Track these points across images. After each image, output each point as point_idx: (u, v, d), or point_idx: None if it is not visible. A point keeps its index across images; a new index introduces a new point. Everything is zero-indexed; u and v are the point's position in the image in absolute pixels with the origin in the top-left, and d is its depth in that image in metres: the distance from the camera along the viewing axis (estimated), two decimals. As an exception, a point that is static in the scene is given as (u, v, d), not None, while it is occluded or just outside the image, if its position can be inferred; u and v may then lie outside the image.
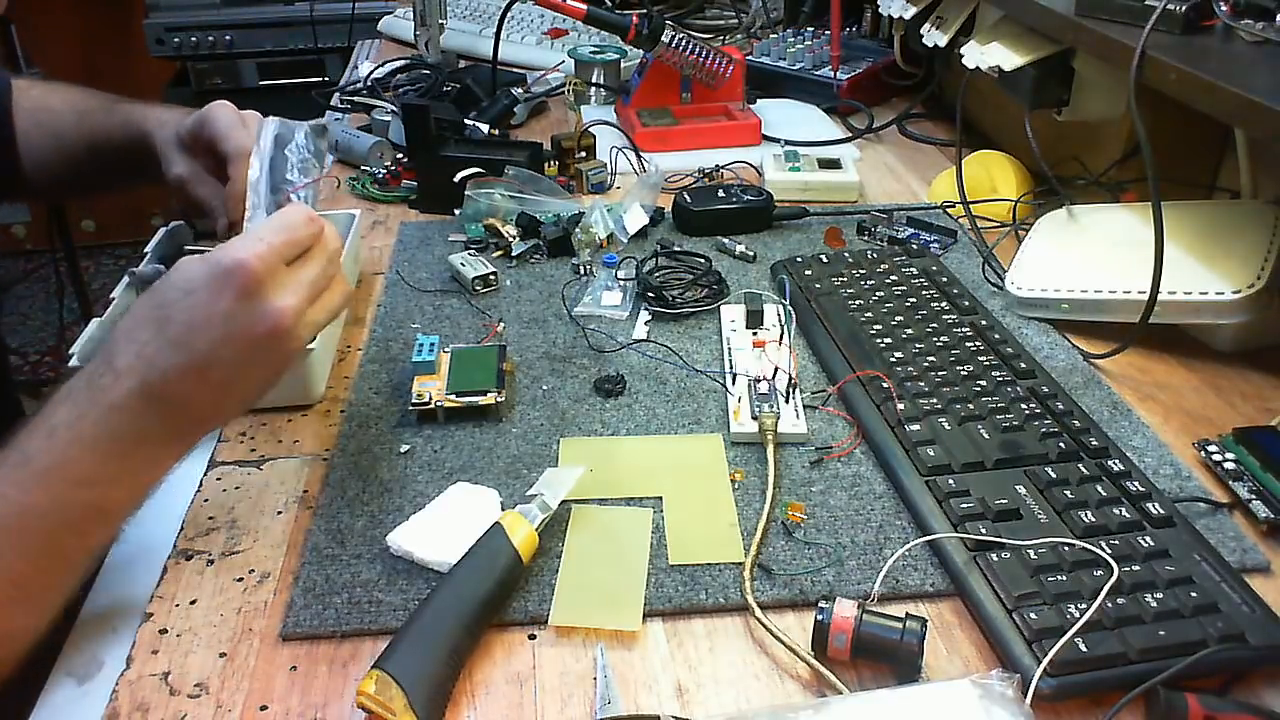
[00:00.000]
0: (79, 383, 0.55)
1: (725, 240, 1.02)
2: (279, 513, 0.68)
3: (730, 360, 0.81)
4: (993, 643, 0.57)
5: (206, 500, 0.69)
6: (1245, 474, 0.69)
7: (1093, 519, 0.62)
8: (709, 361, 0.83)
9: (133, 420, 0.54)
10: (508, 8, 1.34)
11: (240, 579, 0.63)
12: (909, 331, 0.83)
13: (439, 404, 0.75)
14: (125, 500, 0.57)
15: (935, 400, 0.74)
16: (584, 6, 1.16)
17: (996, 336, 0.82)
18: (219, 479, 0.71)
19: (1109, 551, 0.59)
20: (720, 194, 1.06)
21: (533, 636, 0.58)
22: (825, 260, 0.95)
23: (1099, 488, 0.65)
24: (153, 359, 0.54)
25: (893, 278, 0.91)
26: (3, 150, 0.89)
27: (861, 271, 0.92)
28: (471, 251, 0.98)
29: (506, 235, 1.00)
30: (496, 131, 1.21)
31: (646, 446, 0.74)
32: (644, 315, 0.90)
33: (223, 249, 0.56)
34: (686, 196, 1.06)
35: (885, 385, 0.75)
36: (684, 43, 1.21)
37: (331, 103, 1.40)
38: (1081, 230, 0.95)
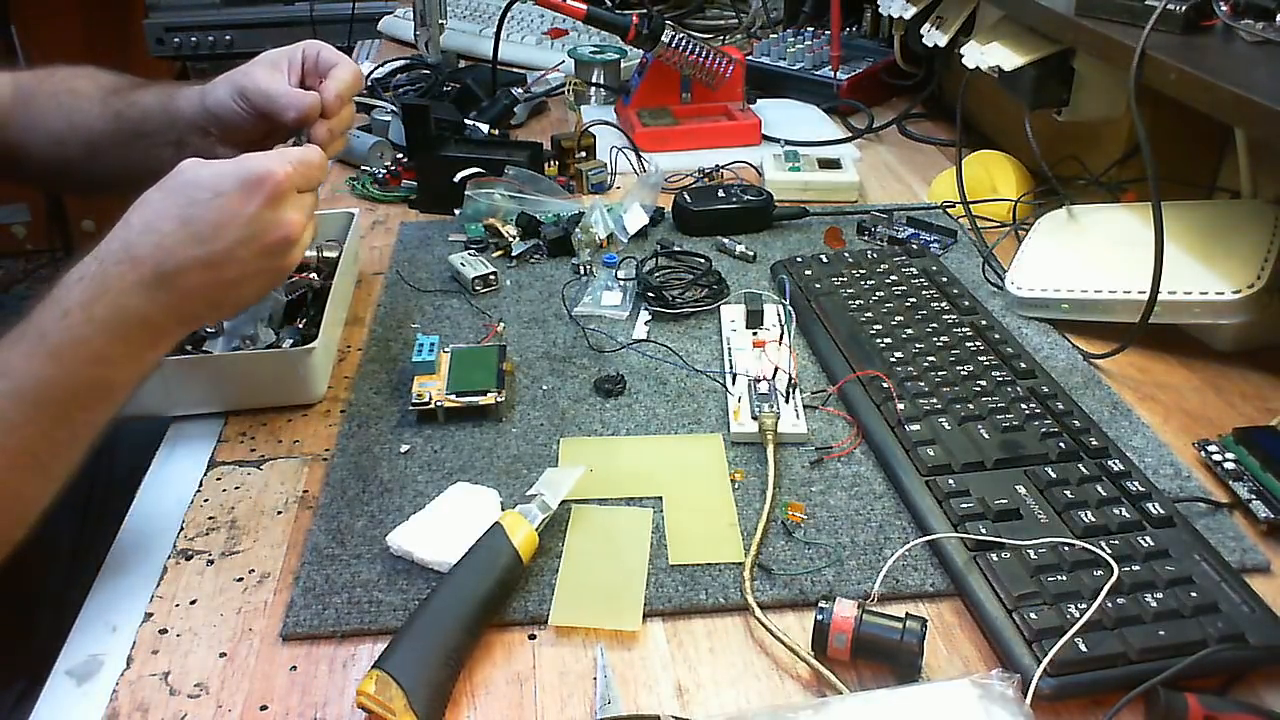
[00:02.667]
0: (92, 266, 0.59)
1: (725, 240, 1.02)
2: (279, 513, 0.68)
3: (730, 360, 0.81)
4: (993, 643, 0.57)
5: (206, 500, 0.69)
6: (1245, 474, 0.69)
7: (1093, 519, 0.62)
8: (709, 361, 0.83)
9: (143, 304, 0.59)
10: (508, 8, 1.34)
11: (240, 579, 0.63)
12: (909, 331, 0.83)
13: (439, 404, 0.75)
14: (129, 378, 0.61)
15: (935, 400, 0.74)
16: (584, 6, 1.16)
17: (996, 336, 0.82)
18: (219, 479, 0.71)
19: (1109, 551, 0.59)
20: (720, 194, 1.06)
21: (533, 636, 0.58)
22: (825, 260, 0.95)
23: (1099, 488, 0.65)
24: (173, 250, 0.59)
25: (893, 278, 0.91)
26: None
27: (861, 271, 0.92)
28: (471, 251, 0.98)
29: (506, 235, 1.00)
30: (496, 131, 1.22)
31: (646, 446, 0.74)
32: (644, 315, 0.90)
33: (251, 158, 0.61)
34: (686, 196, 1.06)
35: (885, 385, 0.75)
36: (684, 43, 1.21)
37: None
38: (1081, 230, 0.95)
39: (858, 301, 0.87)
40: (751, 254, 1.00)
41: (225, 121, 0.79)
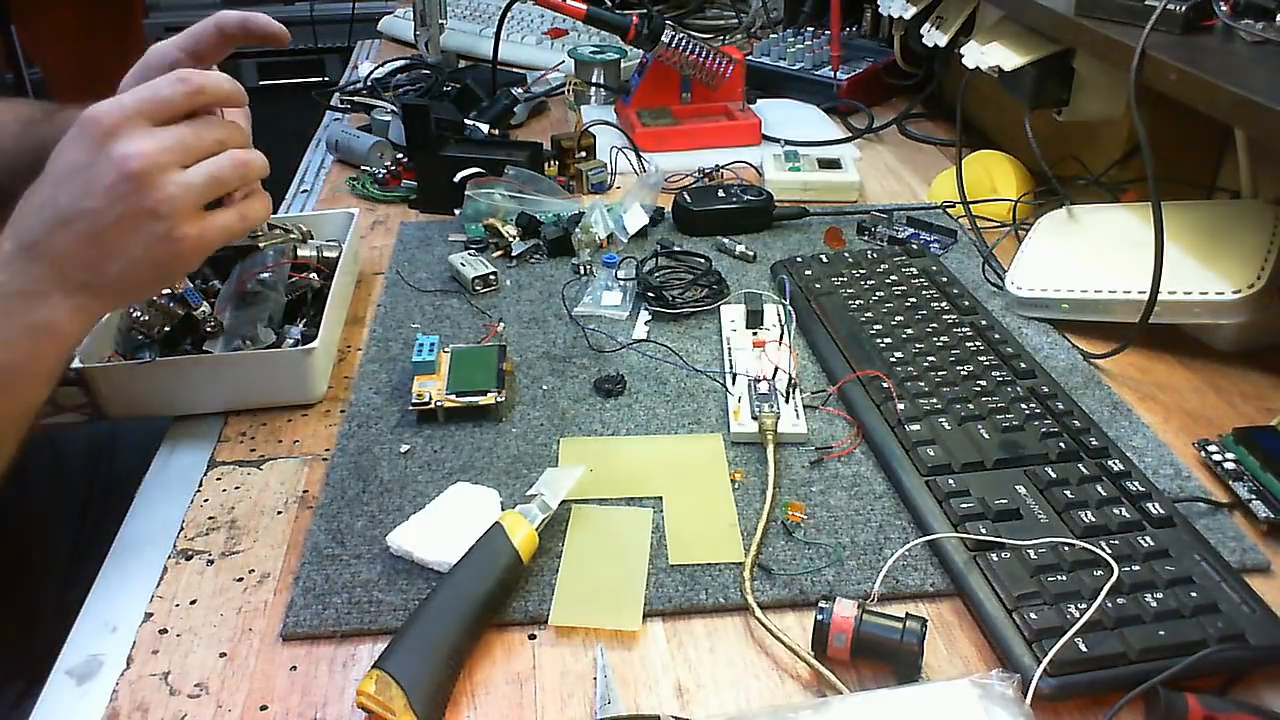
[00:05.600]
0: None
1: (725, 240, 1.02)
2: (279, 513, 0.68)
3: (730, 360, 0.81)
4: (993, 643, 0.57)
5: (206, 500, 0.69)
6: (1245, 474, 0.69)
7: (1093, 519, 0.62)
8: (709, 361, 0.83)
9: (14, 278, 0.57)
10: (508, 8, 1.34)
11: (240, 579, 0.63)
12: (909, 331, 0.83)
13: (439, 404, 0.75)
14: (30, 361, 0.58)
15: (935, 400, 0.74)
16: (584, 6, 1.16)
17: (996, 336, 0.82)
18: (219, 479, 0.71)
19: (1109, 551, 0.59)
20: (720, 194, 1.06)
21: (533, 636, 0.58)
22: (825, 260, 0.95)
23: (1099, 488, 0.65)
24: (26, 216, 0.57)
25: (893, 278, 0.91)
26: None
27: (861, 271, 0.92)
28: (471, 251, 0.98)
29: (506, 235, 1.00)
30: (496, 131, 1.21)
31: (646, 446, 0.74)
32: (644, 315, 0.90)
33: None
34: (686, 196, 1.06)
35: (885, 385, 0.75)
36: (684, 43, 1.21)
37: (331, 103, 1.40)
38: (1081, 230, 0.95)
39: (858, 301, 0.87)
40: (751, 254, 1.00)
41: None
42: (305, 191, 1.20)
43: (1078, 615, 0.55)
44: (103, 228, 0.56)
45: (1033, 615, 0.56)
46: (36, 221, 0.57)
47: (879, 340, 0.82)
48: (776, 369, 0.78)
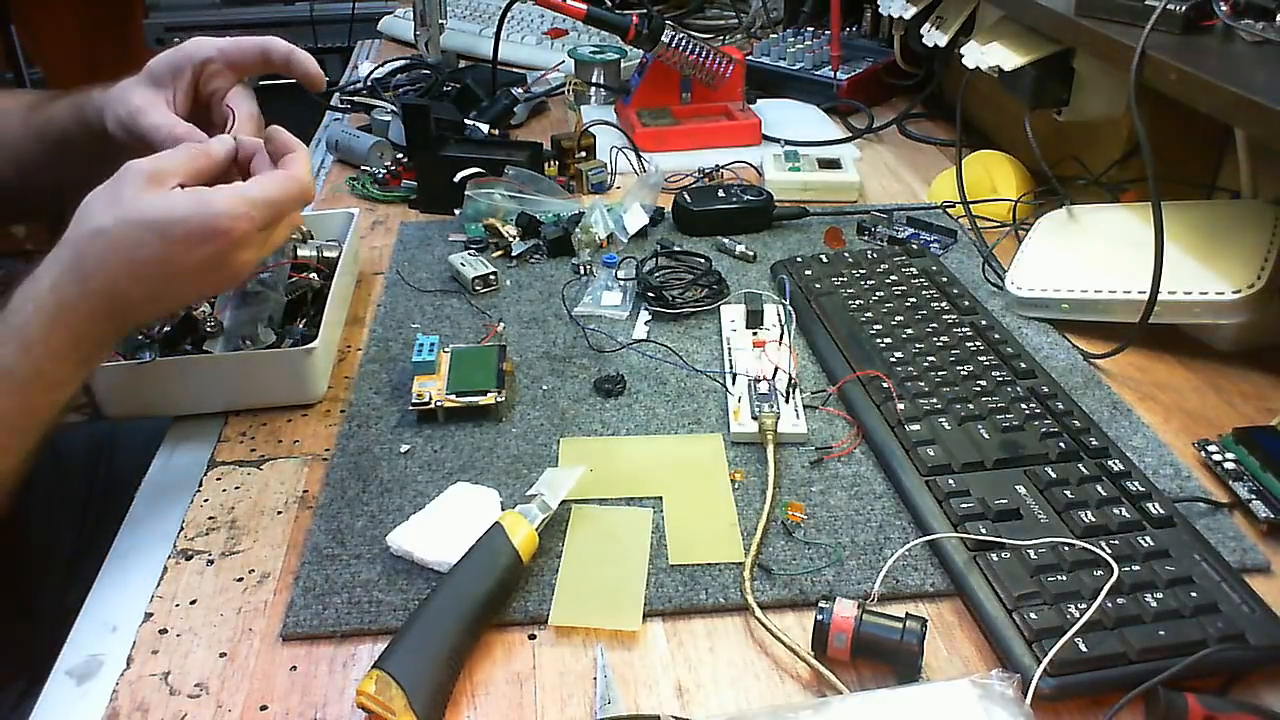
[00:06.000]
0: (48, 297, 0.59)
1: (725, 240, 1.02)
2: (279, 513, 0.68)
3: (730, 360, 0.81)
4: (993, 643, 0.57)
5: (206, 500, 0.69)
6: (1245, 474, 0.69)
7: (1093, 519, 0.62)
8: (709, 361, 0.83)
9: (97, 331, 0.61)
10: (508, 8, 1.34)
11: (240, 579, 0.63)
12: (909, 331, 0.83)
13: (439, 404, 0.75)
14: (79, 388, 0.64)
15: (935, 400, 0.74)
16: (584, 6, 1.16)
17: (996, 336, 0.82)
18: (219, 479, 0.71)
19: (1109, 551, 0.59)
20: (720, 194, 1.06)
21: (533, 636, 0.58)
22: (825, 260, 0.95)
23: (1099, 488, 0.65)
24: (123, 288, 0.60)
25: (893, 278, 0.91)
26: None
27: (861, 271, 0.92)
28: (471, 251, 0.98)
29: (506, 235, 1.00)
30: (496, 131, 1.21)
31: (646, 446, 0.74)
32: (644, 315, 0.90)
33: (209, 203, 0.59)
34: (686, 196, 1.06)
35: (885, 385, 0.75)
36: (684, 43, 1.21)
37: (331, 103, 1.40)
38: (1081, 230, 0.95)
39: (858, 301, 0.87)
40: (751, 254, 1.00)
41: (128, 152, 0.71)
42: (305, 191, 1.20)
43: (1078, 615, 0.55)
44: (187, 299, 0.68)
45: (1033, 615, 0.56)
46: (134, 294, 0.60)
47: (879, 340, 0.82)
48: (776, 369, 0.78)
